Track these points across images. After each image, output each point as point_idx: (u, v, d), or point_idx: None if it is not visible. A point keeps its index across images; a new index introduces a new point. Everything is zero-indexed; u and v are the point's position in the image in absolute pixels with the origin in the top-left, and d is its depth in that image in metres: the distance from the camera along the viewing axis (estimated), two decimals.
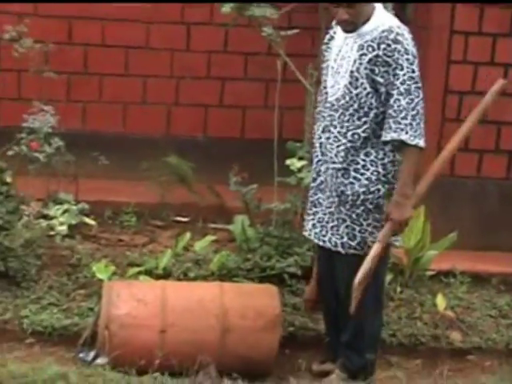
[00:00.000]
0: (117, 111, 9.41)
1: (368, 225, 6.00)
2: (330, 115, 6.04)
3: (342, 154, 5.98)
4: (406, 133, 5.69)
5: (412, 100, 5.71)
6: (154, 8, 9.36)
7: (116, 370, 5.87)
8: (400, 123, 5.70)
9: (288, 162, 7.17)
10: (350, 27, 5.92)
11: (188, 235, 7.74)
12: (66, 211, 7.47)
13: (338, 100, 6.00)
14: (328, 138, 6.06)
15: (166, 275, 7.12)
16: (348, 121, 5.95)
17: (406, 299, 7.43)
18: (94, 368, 5.94)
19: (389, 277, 7.45)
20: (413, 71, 5.73)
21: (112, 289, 6.21)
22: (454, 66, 8.37)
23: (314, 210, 6.26)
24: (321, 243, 6.20)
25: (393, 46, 5.73)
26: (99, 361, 6.05)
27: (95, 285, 6.83)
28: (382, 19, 5.90)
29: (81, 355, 6.26)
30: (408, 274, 7.65)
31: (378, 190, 5.93)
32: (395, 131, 5.72)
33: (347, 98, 5.94)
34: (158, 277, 7.08)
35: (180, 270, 7.19)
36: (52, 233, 7.31)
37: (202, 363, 5.81)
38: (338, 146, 6.01)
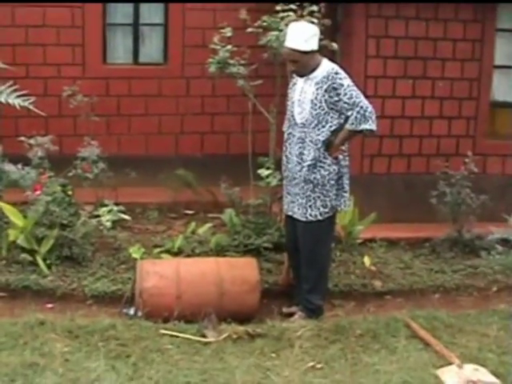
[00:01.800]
0: (141, 140, 9.41)
1: (324, 198, 6.22)
2: (303, 131, 6.24)
3: (312, 154, 6.20)
4: (370, 124, 6.16)
5: (360, 101, 6.17)
6: (162, 68, 9.38)
7: (149, 321, 5.87)
8: (360, 119, 6.11)
9: (259, 171, 7.17)
10: (301, 73, 6.30)
11: (194, 224, 7.76)
12: (109, 211, 7.44)
13: (306, 120, 6.22)
14: (302, 147, 6.25)
15: (180, 252, 7.16)
16: (314, 132, 6.16)
17: (343, 260, 7.42)
18: (134, 319, 5.95)
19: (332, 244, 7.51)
20: (352, 85, 6.19)
21: (142, 267, 6.21)
22: (368, 99, 8.32)
23: (288, 195, 6.44)
24: (294, 215, 6.35)
25: (336, 77, 6.19)
26: (137, 314, 6.06)
27: (132, 261, 6.82)
28: (327, 64, 6.30)
29: (124, 311, 6.28)
30: (344, 242, 7.65)
31: (329, 173, 6.18)
32: (361, 124, 6.15)
33: (311, 118, 6.17)
34: (175, 254, 7.12)
35: (189, 248, 7.22)
36: (101, 227, 7.28)
37: (206, 313, 5.82)
38: (309, 150, 6.20)
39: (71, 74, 8.97)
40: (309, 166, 6.22)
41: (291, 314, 6.50)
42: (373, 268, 7.32)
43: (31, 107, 6.88)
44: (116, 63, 9.45)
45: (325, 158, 6.22)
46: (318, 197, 6.27)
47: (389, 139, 8.43)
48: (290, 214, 6.47)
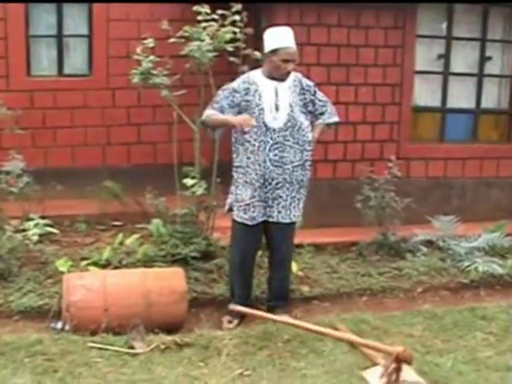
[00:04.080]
0: (67, 152, 9.37)
1: (304, 198, 6.58)
2: (282, 135, 6.27)
3: (299, 155, 6.32)
4: (337, 117, 6.65)
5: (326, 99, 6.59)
6: (88, 80, 9.34)
7: (76, 334, 5.82)
8: (333, 113, 6.60)
9: (184, 181, 7.18)
10: (287, 76, 6.36)
11: (121, 235, 7.71)
12: (36, 225, 7.34)
13: (285, 124, 6.25)
14: (281, 151, 6.27)
15: (108, 264, 7.09)
16: (297, 134, 6.29)
17: None
18: (61, 334, 5.89)
19: (259, 252, 7.52)
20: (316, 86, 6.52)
21: (69, 281, 6.13)
22: None
23: (260, 202, 6.37)
24: (271, 219, 6.40)
25: (302, 78, 6.46)
26: (65, 328, 6.01)
27: (59, 275, 6.70)
28: None
29: (52, 325, 6.18)
30: None
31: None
32: (334, 117, 6.64)
33: (293, 121, 6.27)
34: (103, 266, 7.05)
35: (117, 260, 7.15)
36: (27, 241, 7.18)
37: (133, 325, 5.79)
38: (293, 152, 6.29)
39: None
40: (295, 167, 6.31)
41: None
42: (300, 273, 7.34)
43: None
44: (40, 75, 9.39)
45: (309, 158, 6.40)
46: (301, 198, 6.45)
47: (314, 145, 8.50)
48: (260, 220, 6.41)
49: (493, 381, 5.30)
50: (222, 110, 6.33)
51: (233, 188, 6.54)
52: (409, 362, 5.09)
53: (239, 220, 6.45)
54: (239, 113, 6.30)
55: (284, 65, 6.26)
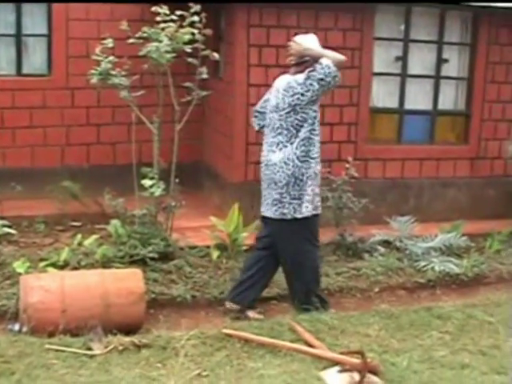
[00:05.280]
0: (26, 152, 9.32)
1: None
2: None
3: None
4: None
5: None
6: (47, 79, 9.28)
7: (34, 336, 5.78)
8: None
9: (142, 182, 7.18)
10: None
11: (80, 236, 7.66)
12: None
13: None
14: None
15: (66, 265, 7.05)
16: None
17: (229, 267, 7.44)
18: (18, 336, 5.84)
19: (217, 253, 7.54)
20: None
21: (26, 282, 6.08)
22: (252, 107, 8.40)
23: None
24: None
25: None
26: (23, 330, 5.97)
27: (17, 276, 6.63)
28: None
29: (9, 327, 6.14)
30: (230, 249, 7.68)
31: None
32: None
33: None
34: (61, 267, 7.00)
35: (75, 261, 7.09)
36: None
37: (91, 326, 5.77)
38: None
39: None
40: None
41: None
42: None
43: None
44: None
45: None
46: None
47: None
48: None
49: (447, 379, 5.35)
50: None
51: (309, 184, 6.42)
52: (377, 373, 5.17)
53: (316, 212, 6.52)
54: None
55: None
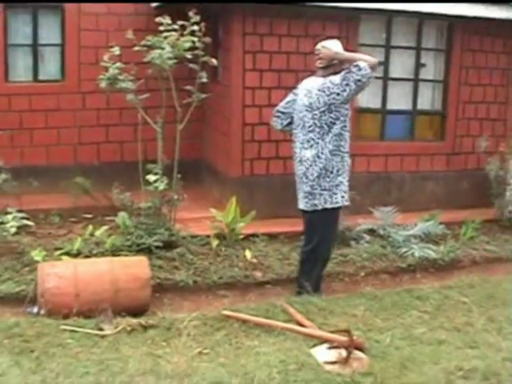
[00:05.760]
0: (42, 151, 9.33)
1: None
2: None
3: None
4: None
5: None
6: (60, 85, 9.24)
7: (50, 318, 5.77)
8: None
9: (147, 177, 7.17)
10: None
11: (91, 227, 7.66)
12: (13, 218, 7.27)
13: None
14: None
15: (79, 254, 7.07)
16: None
17: (227, 254, 7.46)
18: (37, 318, 5.84)
19: (216, 241, 7.53)
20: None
21: (43, 269, 6.10)
22: (247, 108, 8.45)
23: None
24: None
25: None
26: (40, 312, 5.96)
27: (34, 264, 6.64)
28: None
29: (28, 310, 6.15)
30: (228, 238, 7.69)
31: None
32: None
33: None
34: (74, 255, 7.02)
35: (87, 250, 7.12)
36: (5, 233, 7.12)
37: (102, 309, 5.76)
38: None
39: None
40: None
41: None
42: (254, 260, 7.36)
43: None
44: (17, 81, 9.31)
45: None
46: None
47: (267, 144, 8.54)
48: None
49: (425, 354, 5.34)
50: None
51: (339, 176, 6.41)
52: (363, 350, 5.19)
53: (346, 203, 6.50)
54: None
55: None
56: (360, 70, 6.14)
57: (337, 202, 6.34)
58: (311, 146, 6.29)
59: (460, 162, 9.60)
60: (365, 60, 6.21)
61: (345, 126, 6.30)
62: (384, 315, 6.16)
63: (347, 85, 6.17)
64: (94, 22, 9.35)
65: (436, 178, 9.44)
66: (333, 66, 6.35)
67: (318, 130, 6.27)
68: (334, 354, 5.16)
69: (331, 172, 6.29)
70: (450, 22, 9.24)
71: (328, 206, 6.33)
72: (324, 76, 6.35)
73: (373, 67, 6.22)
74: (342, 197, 6.39)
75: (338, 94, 6.19)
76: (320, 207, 6.34)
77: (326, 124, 6.24)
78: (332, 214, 6.41)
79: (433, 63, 9.44)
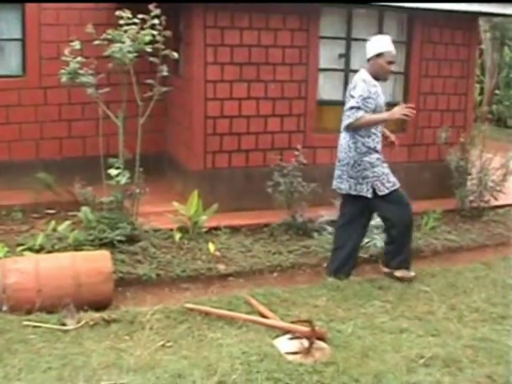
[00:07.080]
0: (4, 147, 9.25)
1: None
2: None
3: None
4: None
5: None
6: (21, 80, 9.17)
7: (13, 314, 5.73)
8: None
9: (109, 171, 7.15)
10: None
11: (54, 222, 7.62)
12: None
13: None
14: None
15: (41, 249, 7.03)
16: None
17: (190, 248, 7.46)
18: None
19: (179, 235, 7.53)
20: None
21: (5, 265, 6.04)
22: (209, 101, 8.45)
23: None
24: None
25: None
26: (2, 309, 5.92)
27: None
28: None
29: None
30: (191, 231, 7.69)
31: None
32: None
33: None
34: (37, 251, 6.97)
35: (50, 245, 7.08)
36: None
37: (65, 304, 5.74)
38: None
39: None
40: None
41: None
42: (217, 253, 7.37)
43: None
44: None
45: None
46: None
47: (229, 137, 8.56)
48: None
49: (387, 342, 5.40)
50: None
51: (371, 171, 6.65)
52: (325, 340, 5.23)
53: (394, 188, 6.72)
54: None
55: (388, 66, 6.55)
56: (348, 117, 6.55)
57: (360, 191, 6.73)
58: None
59: (421, 153, 9.69)
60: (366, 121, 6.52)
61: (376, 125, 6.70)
62: (346, 305, 6.21)
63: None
64: (55, 17, 9.27)
65: (397, 169, 9.39)
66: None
67: None
68: (296, 345, 5.20)
69: (359, 164, 6.67)
70: (410, 15, 9.31)
71: (352, 192, 6.77)
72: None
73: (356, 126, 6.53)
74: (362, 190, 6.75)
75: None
76: (344, 192, 6.88)
77: None
78: (353, 200, 6.80)
79: None
